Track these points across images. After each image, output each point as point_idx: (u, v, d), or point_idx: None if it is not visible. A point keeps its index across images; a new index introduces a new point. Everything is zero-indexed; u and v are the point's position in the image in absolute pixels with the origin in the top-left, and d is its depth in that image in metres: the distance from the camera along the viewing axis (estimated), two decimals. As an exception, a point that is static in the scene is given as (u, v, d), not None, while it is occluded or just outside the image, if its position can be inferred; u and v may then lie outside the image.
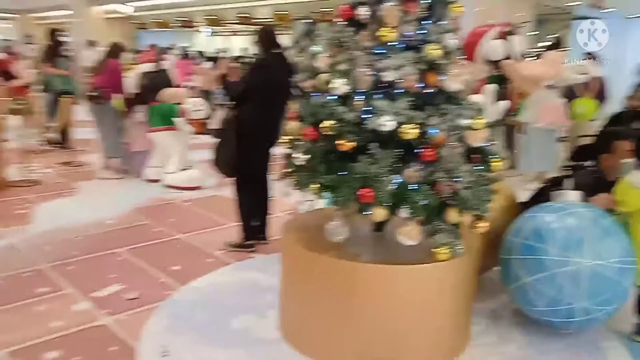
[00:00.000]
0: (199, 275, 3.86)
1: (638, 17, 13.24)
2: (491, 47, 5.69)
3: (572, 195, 3.19)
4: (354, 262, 2.69)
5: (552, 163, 6.09)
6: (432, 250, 2.65)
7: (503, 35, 5.76)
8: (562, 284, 2.82)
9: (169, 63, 9.87)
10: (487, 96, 3.74)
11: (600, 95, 6.63)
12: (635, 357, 2.96)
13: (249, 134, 4.06)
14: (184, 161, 6.38)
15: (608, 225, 2.92)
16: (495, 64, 5.75)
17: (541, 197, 3.57)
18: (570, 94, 6.51)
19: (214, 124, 6.44)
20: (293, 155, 2.87)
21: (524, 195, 3.86)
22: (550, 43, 7.13)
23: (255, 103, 4.05)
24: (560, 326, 3.02)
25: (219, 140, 4.29)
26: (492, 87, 3.92)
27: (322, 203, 2.92)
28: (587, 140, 5.44)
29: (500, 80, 5.57)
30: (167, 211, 5.48)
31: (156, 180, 6.36)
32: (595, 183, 3.28)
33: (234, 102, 4.20)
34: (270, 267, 3.70)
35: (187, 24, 20.51)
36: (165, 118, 6.27)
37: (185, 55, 14.40)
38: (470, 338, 3.05)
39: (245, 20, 18.08)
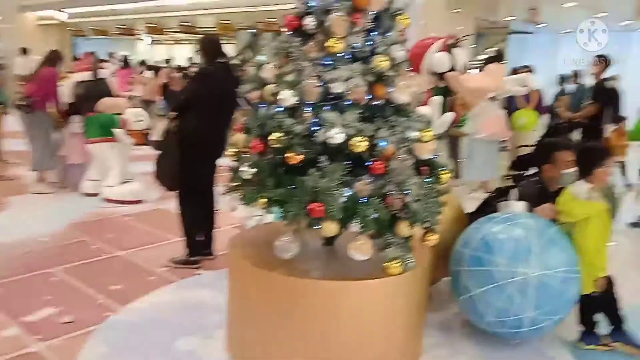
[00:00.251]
0: (141, 295, 3.68)
1: (569, 32, 13.92)
2: (436, 59, 5.79)
3: (518, 206, 3.24)
4: (304, 279, 2.62)
5: (495, 172, 6.24)
6: (384, 264, 2.60)
7: (447, 48, 5.89)
8: (511, 295, 2.84)
9: (108, 72, 9.56)
10: (433, 108, 3.76)
11: (539, 107, 6.87)
12: (581, 364, 3.03)
13: (191, 145, 3.94)
14: (124, 174, 6.14)
15: (554, 235, 2.97)
16: (439, 76, 5.85)
17: (487, 207, 3.62)
18: (510, 105, 6.71)
19: (155, 134, 6.24)
20: (240, 169, 2.77)
21: (469, 205, 3.90)
22: (490, 56, 7.34)
23: (198, 113, 3.94)
24: (507, 336, 3.05)
25: (161, 151, 4.16)
26: (437, 99, 3.95)
27: (270, 217, 2.83)
28: (527, 150, 5.62)
29: (445, 92, 5.67)
30: (106, 227, 5.23)
31: (94, 194, 6.08)
32: (539, 193, 3.35)
33: (176, 113, 4.07)
34: (217, 283, 3.57)
35: (128, 31, 19.98)
36: (104, 129, 6.02)
37: (125, 64, 13.98)
38: (423, 351, 3.03)
39: (188, 29, 17.81)
